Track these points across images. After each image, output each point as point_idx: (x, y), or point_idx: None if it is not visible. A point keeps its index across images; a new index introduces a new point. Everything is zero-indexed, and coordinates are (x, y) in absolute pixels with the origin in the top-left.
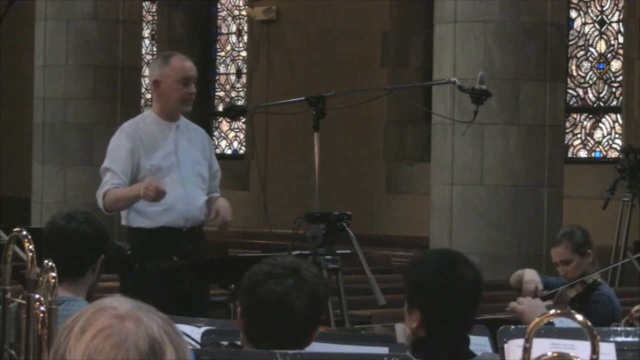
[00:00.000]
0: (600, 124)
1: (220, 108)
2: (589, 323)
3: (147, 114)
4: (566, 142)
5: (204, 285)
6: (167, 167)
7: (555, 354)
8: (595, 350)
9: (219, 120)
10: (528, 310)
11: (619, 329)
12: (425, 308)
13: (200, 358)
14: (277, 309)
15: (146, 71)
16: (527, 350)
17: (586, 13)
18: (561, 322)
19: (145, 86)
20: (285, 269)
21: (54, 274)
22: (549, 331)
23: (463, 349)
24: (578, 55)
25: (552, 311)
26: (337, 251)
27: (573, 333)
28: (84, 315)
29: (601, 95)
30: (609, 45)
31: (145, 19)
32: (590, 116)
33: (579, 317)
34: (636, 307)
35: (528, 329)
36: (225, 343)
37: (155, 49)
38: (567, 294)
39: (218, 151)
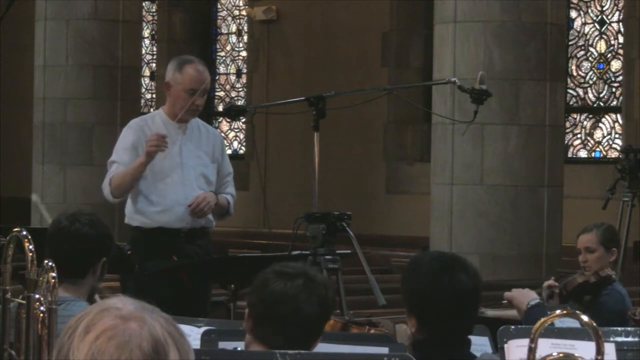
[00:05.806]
0: (600, 124)
1: (220, 108)
2: (594, 324)
3: (158, 113)
4: (566, 142)
5: (206, 285)
6: (170, 167)
7: (561, 354)
8: (600, 351)
9: (219, 120)
10: (517, 294)
11: (619, 328)
12: (421, 314)
13: (200, 358)
14: (288, 306)
15: (146, 71)
16: (532, 351)
17: (586, 13)
18: (561, 322)
19: (145, 86)
20: (295, 269)
21: (54, 274)
22: (549, 331)
23: (461, 352)
24: (578, 55)
25: (558, 311)
26: (337, 251)
27: (573, 333)
28: (87, 315)
29: (601, 95)
30: (609, 45)
31: (145, 19)
32: (590, 116)
33: (585, 317)
34: None
35: (533, 329)
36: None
37: (155, 49)
38: (575, 278)
39: None
